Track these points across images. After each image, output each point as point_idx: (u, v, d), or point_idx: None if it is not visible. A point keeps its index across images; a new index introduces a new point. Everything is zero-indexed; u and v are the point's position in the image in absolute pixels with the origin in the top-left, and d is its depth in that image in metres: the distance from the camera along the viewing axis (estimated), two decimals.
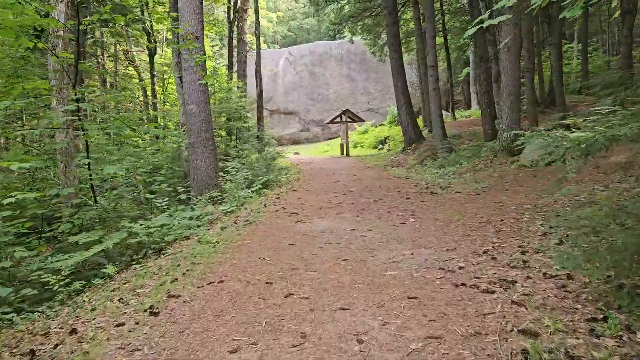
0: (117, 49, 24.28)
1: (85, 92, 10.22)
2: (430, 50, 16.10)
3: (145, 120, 22.55)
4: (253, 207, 8.65)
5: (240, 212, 8.54)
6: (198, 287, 4.36)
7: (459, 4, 27.59)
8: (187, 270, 5.03)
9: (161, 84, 24.55)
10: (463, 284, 3.79)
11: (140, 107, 25.02)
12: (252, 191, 10.65)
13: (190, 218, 8.00)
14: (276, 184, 12.55)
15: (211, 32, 24.59)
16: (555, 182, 5.15)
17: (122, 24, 17.30)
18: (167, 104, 23.75)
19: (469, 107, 40.43)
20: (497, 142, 11.05)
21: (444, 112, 26.14)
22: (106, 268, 5.83)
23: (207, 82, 10.01)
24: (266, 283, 4.27)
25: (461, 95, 41.17)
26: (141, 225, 6.86)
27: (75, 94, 7.53)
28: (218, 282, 4.43)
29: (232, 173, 11.33)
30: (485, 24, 3.56)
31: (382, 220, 6.59)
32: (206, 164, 9.90)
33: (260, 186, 11.18)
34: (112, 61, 24.26)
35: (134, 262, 6.19)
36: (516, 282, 3.75)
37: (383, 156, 21.00)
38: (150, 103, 24.05)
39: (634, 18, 17.85)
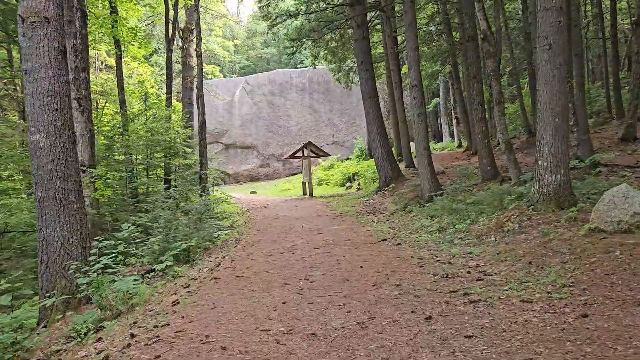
0: None
1: None
2: (413, 65, 12.59)
3: None
4: (117, 334, 4.43)
5: (85, 346, 4.34)
6: None
7: (431, 28, 24.70)
8: None
9: None
10: None
11: None
12: (153, 272, 6.53)
13: None
14: (202, 253, 8.46)
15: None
16: None
17: None
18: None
19: (439, 139, 37.74)
20: (534, 186, 7.35)
21: (412, 145, 22.87)
22: None
23: (75, 94, 5.94)
24: None
25: (429, 128, 38.38)
26: None
27: None
28: None
29: (128, 244, 7.17)
30: None
31: None
32: (63, 236, 5.77)
33: (170, 262, 7.06)
34: None
35: None
36: None
37: (353, 198, 17.18)
38: None
39: None
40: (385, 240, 8.05)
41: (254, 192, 28.69)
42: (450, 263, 5.92)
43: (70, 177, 5.86)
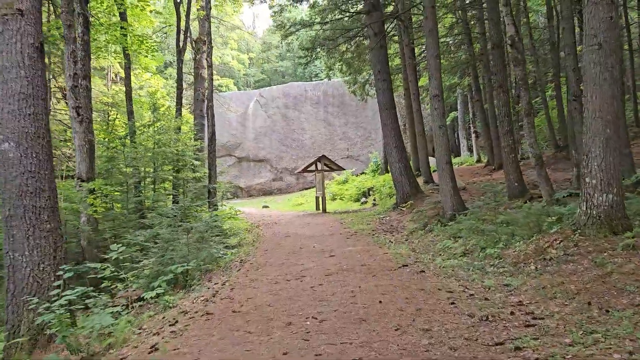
0: None
1: None
2: (434, 73, 11.72)
3: None
4: None
5: None
6: None
7: (449, 40, 23.85)
8: None
9: None
10: None
11: None
12: (143, 301, 5.69)
13: None
14: (203, 275, 7.60)
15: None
16: None
17: None
18: None
19: (457, 154, 36.62)
20: (580, 207, 6.37)
21: (430, 159, 21.88)
22: None
23: (45, 96, 5.17)
24: None
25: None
26: None
27: None
28: None
29: (117, 266, 6.35)
30: None
31: None
32: (32, 262, 4.97)
33: (162, 290, 6.20)
34: None
35: None
36: None
37: (368, 214, 16.23)
38: None
39: None
40: (406, 266, 7.09)
41: (266, 207, 27.89)
42: (486, 299, 4.96)
43: (42, 193, 5.07)
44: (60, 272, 4.98)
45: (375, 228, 13.00)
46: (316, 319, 4.70)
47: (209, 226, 9.45)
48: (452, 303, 4.90)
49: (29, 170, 5.03)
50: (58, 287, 4.81)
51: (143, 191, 15.12)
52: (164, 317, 5.33)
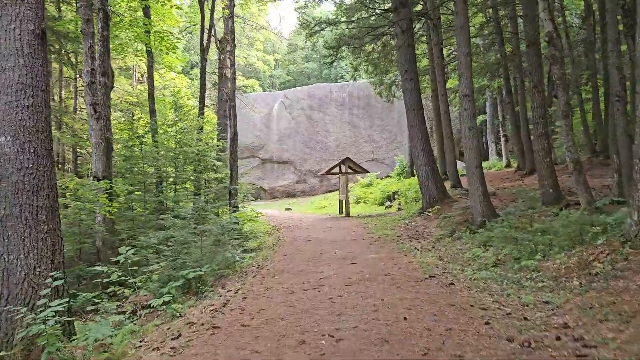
0: None
1: None
2: (465, 72, 11.12)
3: None
4: None
5: None
6: None
7: (480, 40, 23.05)
8: None
9: None
10: None
11: None
12: (150, 307, 5.30)
13: None
14: (218, 280, 7.20)
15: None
16: None
17: None
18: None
19: (484, 158, 35.62)
20: (631, 217, 5.72)
21: (458, 163, 21.08)
22: None
23: (47, 85, 4.84)
24: None
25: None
26: None
27: None
28: None
29: (125, 271, 5.99)
30: None
31: None
32: (28, 265, 4.62)
33: (170, 297, 5.80)
34: None
35: None
36: None
37: (393, 219, 15.65)
38: None
39: None
40: (434, 277, 6.53)
41: (289, 209, 27.54)
42: (526, 319, 4.40)
43: (40, 191, 4.74)
44: (50, 280, 4.60)
45: (400, 234, 12.44)
46: (333, 337, 4.21)
47: (224, 229, 9.05)
48: (487, 323, 4.35)
49: (26, 167, 4.70)
50: (46, 295, 4.44)
51: (164, 191, 14.90)
52: (169, 328, 4.93)
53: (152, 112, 16.18)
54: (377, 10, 17.65)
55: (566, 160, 10.77)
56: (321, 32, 17.93)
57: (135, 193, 13.30)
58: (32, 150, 4.73)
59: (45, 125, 4.85)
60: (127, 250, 6.11)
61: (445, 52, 22.05)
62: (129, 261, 6.06)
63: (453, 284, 6.06)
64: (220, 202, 16.15)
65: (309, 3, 16.88)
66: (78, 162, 22.10)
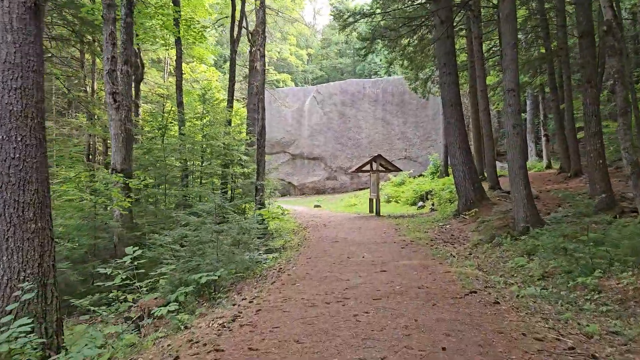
0: None
1: None
2: (510, 64, 10.21)
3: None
4: None
5: None
6: None
7: (522, 35, 21.76)
8: None
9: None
10: None
11: None
12: (158, 315, 4.74)
13: None
14: (234, 285, 6.62)
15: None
16: None
17: None
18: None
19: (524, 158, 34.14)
20: None
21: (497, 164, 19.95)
22: None
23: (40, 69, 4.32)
24: None
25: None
26: None
27: None
28: None
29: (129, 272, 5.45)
30: None
31: None
32: (11, 269, 4.13)
33: (177, 306, 5.23)
34: None
35: None
36: None
37: (426, 221, 14.82)
38: None
39: None
40: (475, 292, 5.73)
41: (318, 206, 26.95)
42: (594, 357, 3.59)
43: (28, 186, 4.22)
44: (28, 286, 4.05)
45: (434, 237, 11.64)
46: None
47: (244, 229, 8.45)
48: None
49: (12, 157, 4.20)
50: (12, 311, 3.89)
51: (189, 185, 14.50)
52: (169, 345, 4.34)
53: (180, 104, 15.81)
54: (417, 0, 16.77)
55: (623, 162, 9.74)
56: (355, 24, 17.18)
57: (160, 187, 12.93)
58: (19, 139, 4.22)
59: (35, 111, 4.32)
60: (133, 251, 5.57)
61: (484, 47, 20.93)
62: (135, 263, 5.52)
63: (498, 302, 5.26)
64: (247, 198, 15.67)
65: None
66: (108, 153, 22.10)
